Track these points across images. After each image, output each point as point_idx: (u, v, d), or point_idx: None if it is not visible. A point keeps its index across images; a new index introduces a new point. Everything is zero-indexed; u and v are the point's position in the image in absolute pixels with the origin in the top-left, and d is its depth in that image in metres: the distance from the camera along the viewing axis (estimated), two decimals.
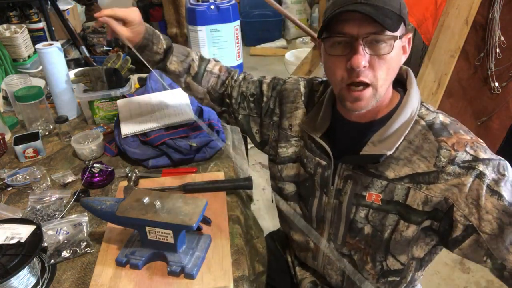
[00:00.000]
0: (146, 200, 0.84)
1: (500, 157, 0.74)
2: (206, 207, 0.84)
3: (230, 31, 1.64)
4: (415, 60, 2.86)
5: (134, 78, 1.63)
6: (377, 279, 0.88)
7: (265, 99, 0.99)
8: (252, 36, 4.55)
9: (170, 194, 0.88)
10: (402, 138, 0.77)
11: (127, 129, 1.20)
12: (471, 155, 0.73)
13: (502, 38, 1.79)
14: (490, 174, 0.71)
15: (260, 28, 4.51)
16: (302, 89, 0.95)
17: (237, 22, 1.66)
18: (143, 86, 1.49)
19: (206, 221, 0.95)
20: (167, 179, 1.12)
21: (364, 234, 0.83)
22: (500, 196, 0.70)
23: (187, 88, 1.08)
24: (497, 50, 1.81)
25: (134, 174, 1.11)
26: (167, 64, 1.02)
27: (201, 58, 1.07)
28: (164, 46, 1.01)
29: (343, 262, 0.91)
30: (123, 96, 1.36)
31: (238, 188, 1.08)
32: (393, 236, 0.81)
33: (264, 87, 1.00)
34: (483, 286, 1.82)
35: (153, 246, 0.85)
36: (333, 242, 0.90)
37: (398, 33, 0.71)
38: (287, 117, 0.95)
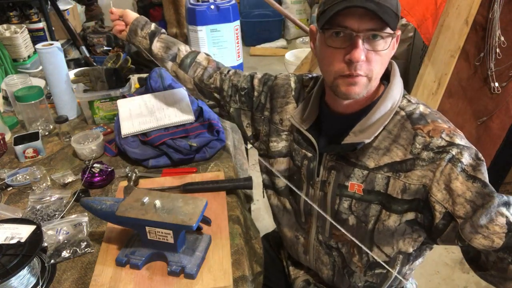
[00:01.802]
0: (146, 200, 0.84)
1: (474, 147, 0.76)
2: (206, 207, 0.84)
3: (230, 31, 1.65)
4: (415, 60, 2.86)
5: (134, 78, 1.63)
6: (364, 272, 0.89)
7: (256, 93, 1.00)
8: (252, 36, 4.54)
9: (170, 194, 0.88)
10: (382, 128, 0.79)
11: (127, 129, 1.20)
12: (446, 141, 0.74)
13: (502, 38, 1.79)
14: (466, 159, 0.72)
15: (260, 28, 4.51)
16: (293, 85, 0.97)
17: (237, 22, 1.67)
18: (143, 86, 1.49)
19: (206, 221, 0.95)
20: (167, 179, 1.12)
21: (349, 225, 0.85)
22: (475, 179, 0.71)
23: (176, 77, 1.15)
24: (497, 50, 1.81)
25: (134, 174, 1.11)
26: (151, 47, 1.13)
27: (192, 51, 1.14)
28: (149, 31, 1.14)
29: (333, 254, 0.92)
30: (123, 96, 1.36)
31: (238, 188, 1.08)
32: (376, 226, 0.82)
33: (255, 82, 1.02)
34: (483, 286, 1.82)
35: (153, 246, 0.85)
36: (321, 234, 0.91)
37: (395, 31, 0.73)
38: (278, 111, 0.96)
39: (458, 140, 0.74)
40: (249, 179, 1.08)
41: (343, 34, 0.72)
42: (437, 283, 1.84)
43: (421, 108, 0.80)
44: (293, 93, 0.95)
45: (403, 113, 0.80)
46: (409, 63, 3.03)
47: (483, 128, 1.99)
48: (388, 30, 0.71)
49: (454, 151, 0.73)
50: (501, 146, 1.94)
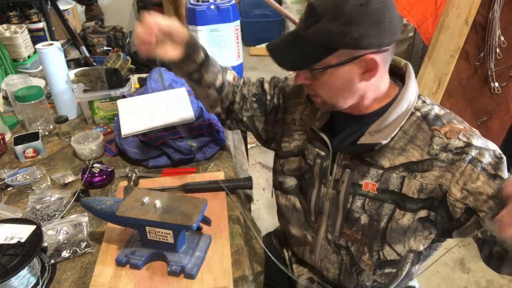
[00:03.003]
0: (146, 200, 0.84)
1: (494, 146, 0.76)
2: (206, 207, 0.84)
3: (230, 31, 1.64)
4: (415, 60, 2.86)
5: (134, 78, 1.63)
6: (373, 270, 0.89)
7: (268, 97, 1.01)
8: (252, 36, 4.54)
9: (170, 194, 0.88)
10: (398, 128, 0.79)
11: (127, 129, 1.20)
12: (464, 142, 0.75)
13: (502, 38, 1.79)
14: (486, 159, 0.73)
15: (260, 28, 4.51)
16: None
17: (237, 22, 1.66)
18: (143, 86, 1.49)
19: (206, 221, 0.95)
20: (167, 179, 1.12)
21: (361, 224, 0.85)
22: (496, 176, 0.72)
23: (207, 98, 1.01)
24: (497, 50, 1.81)
25: (134, 174, 1.11)
26: (204, 75, 0.94)
27: (222, 68, 1.02)
28: (202, 56, 0.91)
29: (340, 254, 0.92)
30: (123, 96, 1.36)
31: (238, 188, 1.08)
32: (389, 224, 0.83)
33: (266, 86, 1.02)
34: (483, 286, 1.82)
35: (153, 246, 0.85)
36: (330, 233, 0.92)
37: (320, 65, 0.74)
38: (291, 112, 0.97)
39: (475, 141, 0.75)
40: (249, 179, 1.08)
41: None
42: (437, 283, 1.84)
43: (436, 109, 0.81)
44: (306, 93, 0.96)
45: (418, 113, 0.80)
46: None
47: (483, 128, 1.98)
48: (315, 65, 0.74)
49: (473, 152, 0.74)
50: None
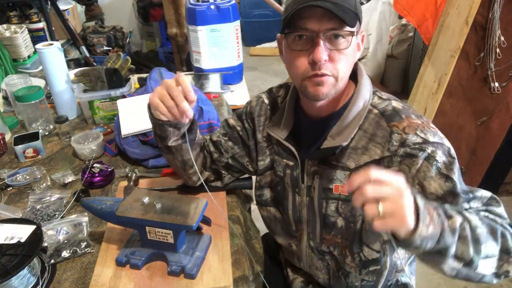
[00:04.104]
0: (146, 200, 0.84)
1: (449, 144, 0.77)
2: (206, 207, 0.84)
3: (230, 31, 1.65)
4: (415, 60, 2.86)
5: (134, 78, 1.63)
6: (359, 271, 0.90)
7: (238, 128, 0.99)
8: (252, 36, 4.54)
9: (170, 194, 0.88)
10: (357, 128, 0.80)
11: (127, 129, 1.20)
12: (421, 137, 0.76)
13: (502, 38, 1.79)
14: (440, 157, 0.74)
15: (260, 28, 4.51)
16: (266, 100, 0.97)
17: (237, 22, 1.67)
18: (143, 86, 1.49)
19: (206, 221, 0.95)
20: (167, 179, 1.12)
21: (338, 227, 0.86)
22: (447, 178, 0.74)
23: (194, 164, 0.95)
24: (497, 50, 1.81)
25: (134, 174, 1.12)
26: (198, 133, 0.96)
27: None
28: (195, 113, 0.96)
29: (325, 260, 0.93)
30: (123, 96, 1.36)
31: (238, 188, 1.08)
32: (363, 225, 0.83)
33: (231, 121, 1.00)
34: (483, 286, 1.82)
35: (153, 246, 0.85)
36: (312, 241, 0.92)
37: (355, 29, 0.74)
38: (260, 130, 0.96)
39: (431, 137, 0.76)
40: (249, 179, 1.08)
41: (305, 36, 0.74)
42: (437, 283, 1.84)
43: (393, 103, 0.81)
44: (269, 107, 0.96)
45: (376, 111, 0.81)
46: (409, 63, 3.03)
47: (483, 128, 1.99)
48: (348, 28, 0.73)
49: (429, 149, 0.74)
50: (501, 146, 1.94)
